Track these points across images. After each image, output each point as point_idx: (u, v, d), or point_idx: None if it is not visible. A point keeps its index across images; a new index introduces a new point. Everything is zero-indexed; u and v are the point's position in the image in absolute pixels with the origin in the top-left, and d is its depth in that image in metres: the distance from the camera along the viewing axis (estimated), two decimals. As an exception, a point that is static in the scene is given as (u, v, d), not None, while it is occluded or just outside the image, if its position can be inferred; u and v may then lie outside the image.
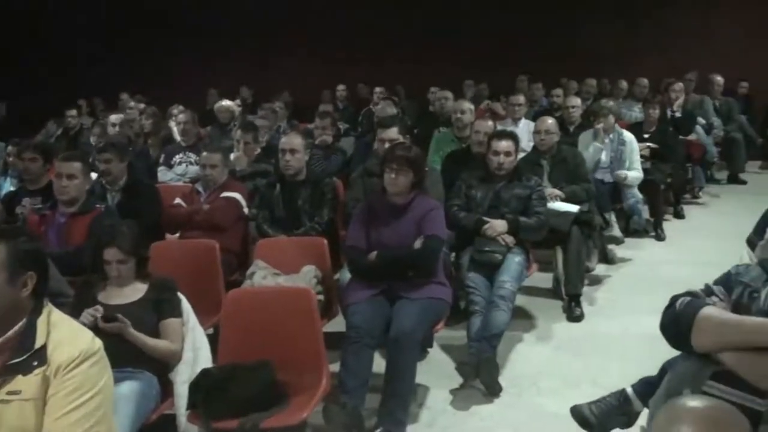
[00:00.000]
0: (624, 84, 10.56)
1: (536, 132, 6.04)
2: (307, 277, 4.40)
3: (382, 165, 4.33)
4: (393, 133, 5.19)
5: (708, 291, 2.50)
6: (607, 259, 6.60)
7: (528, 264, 5.01)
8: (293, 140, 5.18)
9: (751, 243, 3.43)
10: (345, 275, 4.59)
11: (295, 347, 3.65)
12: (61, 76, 13.72)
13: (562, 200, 5.65)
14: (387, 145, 4.94)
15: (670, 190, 7.97)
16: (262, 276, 4.47)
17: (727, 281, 2.51)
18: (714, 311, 2.35)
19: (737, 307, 2.41)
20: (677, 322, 2.40)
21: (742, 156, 9.94)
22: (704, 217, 8.20)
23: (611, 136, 6.92)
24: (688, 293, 2.51)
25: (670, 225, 7.67)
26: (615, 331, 5.07)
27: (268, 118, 8.27)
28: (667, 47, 12.03)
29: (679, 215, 8.11)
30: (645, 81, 10.19)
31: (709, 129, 9.28)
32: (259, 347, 3.62)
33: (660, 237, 7.27)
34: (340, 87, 12.06)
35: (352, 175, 5.68)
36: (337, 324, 4.43)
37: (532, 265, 5.20)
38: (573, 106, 7.85)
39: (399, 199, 4.26)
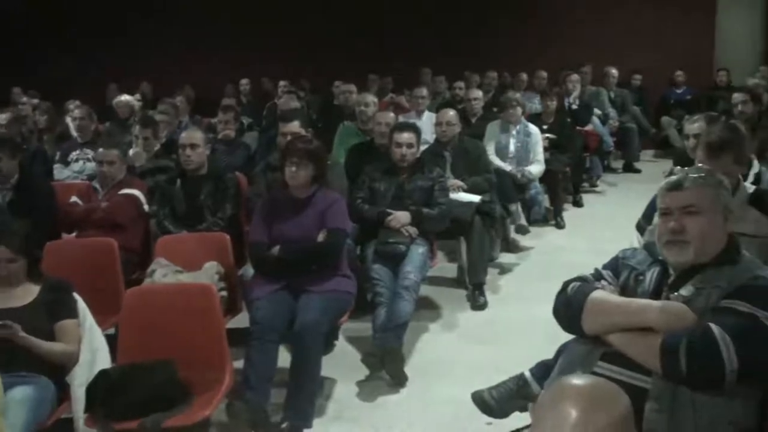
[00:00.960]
0: (524, 76, 10.78)
1: (438, 124, 6.11)
2: (209, 273, 4.33)
3: (283, 159, 4.31)
4: (294, 126, 5.16)
5: (597, 275, 2.60)
6: (510, 247, 6.75)
7: (432, 254, 5.08)
8: (193, 135, 5.10)
9: (640, 228, 3.57)
10: (249, 271, 4.54)
11: (197, 345, 3.59)
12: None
13: (465, 191, 5.75)
14: (289, 138, 4.91)
15: (569, 180, 8.20)
16: (162, 274, 4.38)
17: (615, 265, 2.61)
18: (602, 295, 2.43)
19: (624, 290, 2.51)
20: (568, 306, 2.48)
21: (637, 145, 10.31)
22: (601, 204, 8.47)
23: (518, 127, 7.08)
24: (578, 278, 2.60)
25: (569, 213, 7.91)
26: (517, 318, 5.18)
27: (169, 114, 8.09)
28: (565, 40, 12.35)
29: (578, 204, 8.37)
30: (544, 73, 10.45)
31: (604, 120, 9.60)
32: (160, 346, 3.55)
33: (560, 225, 7.48)
34: (244, 81, 11.90)
35: (255, 169, 5.63)
36: (242, 320, 4.39)
37: (436, 255, 5.27)
38: (475, 99, 7.99)
39: (301, 193, 4.25)
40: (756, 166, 4.39)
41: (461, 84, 9.71)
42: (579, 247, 6.61)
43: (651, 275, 2.48)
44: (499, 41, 12.57)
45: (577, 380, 1.51)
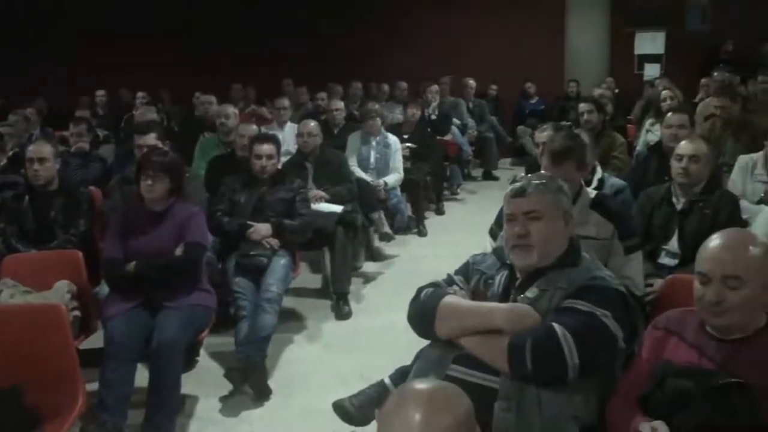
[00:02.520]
0: (386, 87, 10.95)
1: (299, 135, 6.12)
2: (59, 293, 4.14)
3: (138, 172, 4.19)
4: (150, 139, 5.04)
5: (450, 281, 2.68)
6: (374, 256, 6.83)
7: (294, 266, 5.07)
8: (41, 148, 4.86)
9: (493, 233, 3.69)
10: (105, 289, 4.38)
11: (47, 367, 3.40)
12: None
13: (327, 201, 5.79)
14: (144, 151, 4.78)
15: (430, 188, 8.39)
16: (9, 294, 4.14)
17: (466, 270, 2.69)
18: (453, 299, 2.51)
19: (475, 294, 2.60)
20: (422, 312, 2.55)
21: (495, 154, 10.69)
22: (462, 212, 8.71)
23: (378, 138, 7.18)
24: (432, 284, 2.67)
25: (431, 221, 8.09)
26: (381, 326, 5.24)
27: (18, 126, 7.70)
28: (425, 52, 12.65)
29: (439, 211, 8.58)
30: (404, 84, 10.65)
31: (463, 129, 9.89)
32: (6, 371, 3.35)
33: (422, 233, 7.63)
34: (100, 92, 11.47)
35: (110, 183, 5.44)
36: (98, 340, 4.22)
37: (299, 266, 5.25)
38: (337, 109, 8.06)
39: (157, 206, 4.14)
40: (599, 172, 4.65)
41: (323, 95, 9.76)
42: (441, 254, 6.74)
43: (500, 279, 2.58)
44: (363, 52, 12.72)
45: (420, 385, 1.56)
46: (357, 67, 12.12)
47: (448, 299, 2.52)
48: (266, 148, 5.07)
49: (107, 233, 4.30)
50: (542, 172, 3.31)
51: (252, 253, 4.75)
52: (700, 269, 2.25)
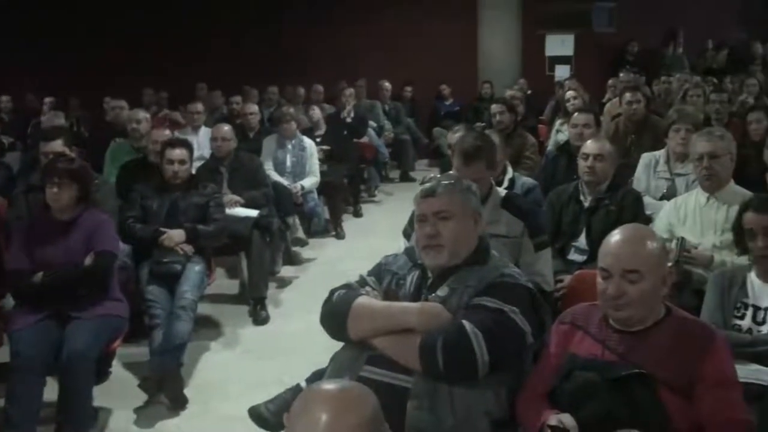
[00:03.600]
0: (301, 90, 10.91)
1: (213, 139, 6.05)
2: (-38, 306, 3.99)
3: (44, 179, 4.06)
4: (57, 145, 4.89)
5: (362, 282, 2.69)
6: (291, 260, 6.80)
7: (209, 272, 5.00)
8: (-61, 157, 4.67)
9: (407, 234, 3.72)
10: (11, 301, 4.23)
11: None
12: None
13: (242, 206, 5.73)
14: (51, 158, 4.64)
15: (348, 191, 8.40)
16: None
17: (378, 271, 2.71)
18: (365, 300, 2.52)
19: (387, 295, 2.62)
20: (334, 314, 2.55)
21: (412, 155, 10.77)
22: (380, 214, 8.75)
23: (293, 141, 7.15)
24: (344, 286, 2.68)
25: (349, 224, 8.09)
26: (299, 330, 5.22)
27: None
28: (340, 55, 12.66)
29: (357, 214, 8.60)
30: (320, 87, 10.63)
31: (380, 132, 9.95)
32: None
33: (340, 236, 7.64)
34: (4, 98, 11.05)
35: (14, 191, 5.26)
36: (4, 354, 4.07)
37: (214, 272, 5.19)
38: (251, 113, 7.98)
39: (64, 215, 4.02)
40: (510, 172, 4.75)
41: (238, 98, 9.66)
42: (358, 256, 6.73)
43: (411, 278, 2.60)
44: (278, 56, 12.63)
45: (326, 385, 1.56)
46: (273, 70, 12.03)
47: (360, 300, 2.53)
48: (178, 153, 4.99)
49: (12, 243, 4.15)
50: (452, 172, 3.36)
51: (165, 260, 4.67)
52: (602, 265, 2.33)
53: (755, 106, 6.28)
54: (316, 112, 8.24)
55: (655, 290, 2.28)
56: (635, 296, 2.25)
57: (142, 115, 6.76)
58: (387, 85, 10.87)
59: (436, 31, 12.83)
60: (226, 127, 6.14)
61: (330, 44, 12.84)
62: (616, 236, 2.34)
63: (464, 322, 2.34)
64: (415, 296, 2.56)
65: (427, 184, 2.63)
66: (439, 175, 2.76)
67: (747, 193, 3.75)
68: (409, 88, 11.92)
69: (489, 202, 3.52)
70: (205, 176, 5.61)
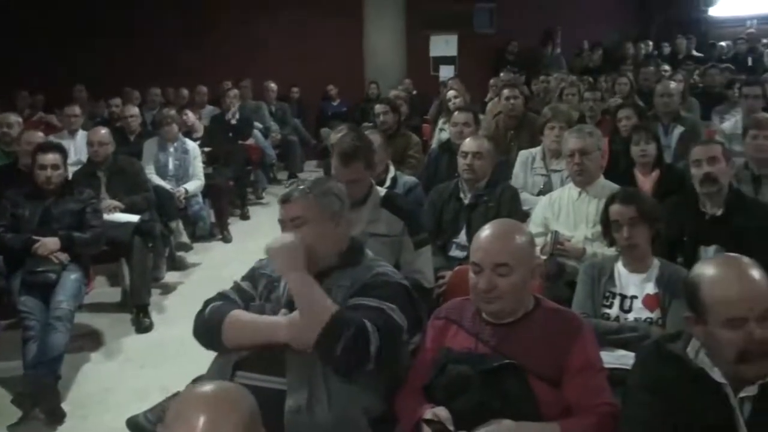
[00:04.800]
0: (185, 92, 10.69)
1: (89, 144, 5.87)
2: None
3: None
4: None
5: (237, 288, 2.67)
6: (176, 265, 6.65)
7: (87, 280, 4.83)
8: None
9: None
10: None
11: None
12: None
13: (122, 211, 5.57)
14: None
15: (234, 193, 8.29)
16: None
17: (252, 276, 2.70)
18: (237, 315, 2.52)
19: (261, 299, 2.61)
20: (206, 329, 2.54)
21: (299, 156, 10.73)
22: (267, 216, 8.64)
23: (175, 144, 7.00)
24: (219, 296, 2.65)
25: (236, 226, 7.99)
26: (184, 336, 5.01)
27: None
28: (225, 56, 12.47)
29: (244, 216, 8.49)
30: (204, 89, 10.43)
31: (266, 133, 9.85)
32: None
33: (227, 239, 7.53)
34: None
35: None
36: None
37: (93, 279, 5.02)
38: (131, 116, 7.76)
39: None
40: (392, 171, 4.81)
41: (118, 101, 9.37)
42: (246, 259, 6.54)
43: (285, 282, 2.59)
44: (162, 57, 12.32)
45: (201, 388, 1.54)
46: (156, 71, 11.72)
47: (233, 315, 2.52)
48: (51, 157, 4.80)
49: None
50: (316, 175, 3.36)
51: (39, 269, 4.48)
52: (473, 259, 2.39)
53: (624, 104, 6.56)
54: (190, 117, 8.09)
55: (524, 283, 2.35)
56: (505, 289, 2.32)
57: (14, 118, 6.48)
58: (273, 86, 10.78)
59: (322, 31, 12.83)
60: (103, 131, 5.95)
61: (214, 45, 12.63)
62: (486, 231, 2.40)
63: (365, 321, 2.34)
64: (291, 300, 2.55)
65: (287, 189, 2.61)
66: (304, 179, 2.69)
67: (615, 187, 3.93)
68: (295, 89, 11.87)
69: (369, 201, 3.55)
70: (82, 181, 5.42)
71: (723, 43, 13.06)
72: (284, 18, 12.96)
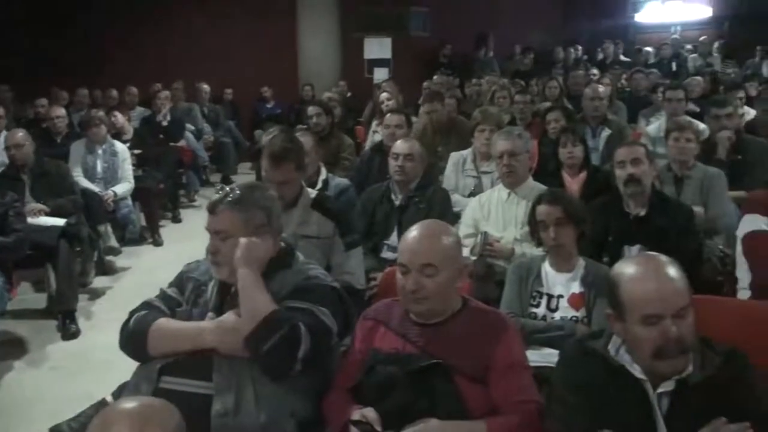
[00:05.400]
0: (114, 93, 10.46)
1: (6, 147, 5.70)
2: None
3: None
4: None
5: (162, 295, 2.63)
6: (105, 270, 6.51)
7: (10, 286, 4.70)
8: None
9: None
10: None
11: None
12: None
13: (47, 214, 5.43)
14: None
15: (165, 196, 8.16)
16: None
17: (179, 281, 2.67)
18: (163, 323, 2.49)
19: (188, 302, 2.57)
20: (132, 340, 2.50)
21: (233, 158, 10.61)
22: (200, 219, 8.33)
23: (104, 146, 6.86)
24: (143, 305, 2.61)
25: (167, 230, 7.87)
26: (112, 343, 4.95)
27: None
28: (156, 57, 12.26)
29: (176, 219, 8.36)
30: (134, 89, 10.21)
31: (199, 135, 9.73)
32: None
33: (158, 242, 7.40)
34: None
35: None
36: None
37: (17, 285, 4.88)
38: (58, 117, 7.57)
39: None
40: (324, 173, 4.79)
41: (44, 101, 9.13)
42: (178, 263, 6.42)
43: (212, 286, 2.57)
44: (90, 56, 12.04)
45: (124, 403, 1.52)
46: (85, 71, 11.45)
47: (158, 323, 2.49)
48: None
49: None
50: (246, 181, 3.18)
51: (-43, 276, 4.34)
52: (400, 260, 2.40)
53: (553, 106, 6.68)
54: (119, 118, 7.93)
55: (451, 283, 2.37)
56: (432, 290, 2.33)
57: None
58: (206, 87, 10.65)
59: (256, 33, 12.72)
60: (20, 134, 5.78)
61: (146, 45, 12.42)
62: (412, 233, 2.41)
63: (300, 323, 2.33)
64: (219, 304, 2.52)
65: (214, 197, 2.56)
66: (233, 187, 2.64)
67: (544, 188, 3.99)
68: (229, 91, 11.76)
69: (300, 203, 3.54)
70: (5, 184, 5.27)
71: (649, 48, 13.43)
72: (218, 18, 12.81)
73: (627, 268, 2.07)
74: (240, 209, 2.49)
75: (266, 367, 2.31)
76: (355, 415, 2.25)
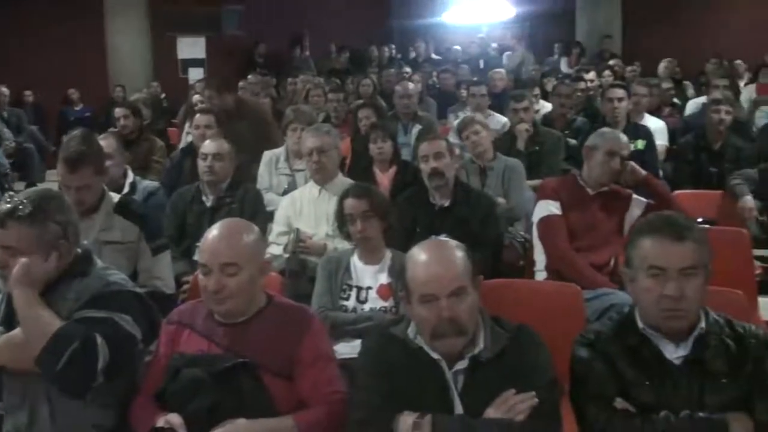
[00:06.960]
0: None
1: None
2: None
3: None
4: None
5: None
6: None
7: None
8: None
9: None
10: None
11: None
12: None
13: None
14: None
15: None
16: None
17: None
18: None
19: None
20: None
21: (38, 165, 9.99)
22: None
23: None
24: None
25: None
26: None
27: None
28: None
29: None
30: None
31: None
32: None
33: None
34: None
35: None
36: None
37: None
38: None
39: None
40: (131, 176, 4.62)
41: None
42: None
43: (1, 298, 2.43)
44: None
45: None
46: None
47: None
48: None
49: None
50: (37, 191, 2.66)
51: None
52: (201, 261, 2.37)
53: (364, 104, 6.79)
54: None
55: (253, 281, 2.37)
56: (235, 288, 2.32)
57: None
58: (4, 90, 9.97)
59: (58, 31, 12.02)
60: None
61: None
62: (212, 232, 2.39)
63: (96, 335, 2.23)
64: (8, 317, 2.38)
65: (2, 207, 2.34)
66: (25, 197, 2.44)
67: (352, 183, 4.06)
68: (28, 92, 11.07)
69: (101, 208, 3.38)
70: None
71: (458, 47, 13.98)
72: (15, 15, 12.00)
73: (414, 252, 2.21)
74: (31, 224, 2.31)
75: (64, 386, 2.21)
76: (159, 421, 2.20)
